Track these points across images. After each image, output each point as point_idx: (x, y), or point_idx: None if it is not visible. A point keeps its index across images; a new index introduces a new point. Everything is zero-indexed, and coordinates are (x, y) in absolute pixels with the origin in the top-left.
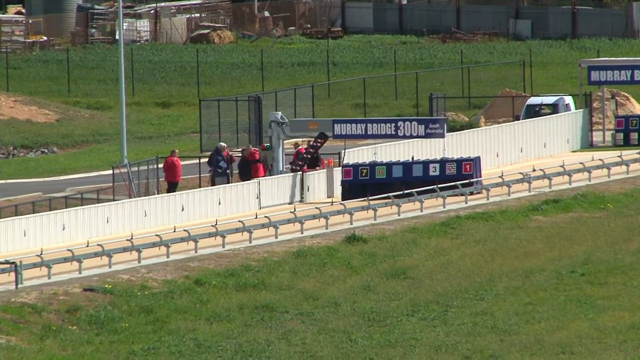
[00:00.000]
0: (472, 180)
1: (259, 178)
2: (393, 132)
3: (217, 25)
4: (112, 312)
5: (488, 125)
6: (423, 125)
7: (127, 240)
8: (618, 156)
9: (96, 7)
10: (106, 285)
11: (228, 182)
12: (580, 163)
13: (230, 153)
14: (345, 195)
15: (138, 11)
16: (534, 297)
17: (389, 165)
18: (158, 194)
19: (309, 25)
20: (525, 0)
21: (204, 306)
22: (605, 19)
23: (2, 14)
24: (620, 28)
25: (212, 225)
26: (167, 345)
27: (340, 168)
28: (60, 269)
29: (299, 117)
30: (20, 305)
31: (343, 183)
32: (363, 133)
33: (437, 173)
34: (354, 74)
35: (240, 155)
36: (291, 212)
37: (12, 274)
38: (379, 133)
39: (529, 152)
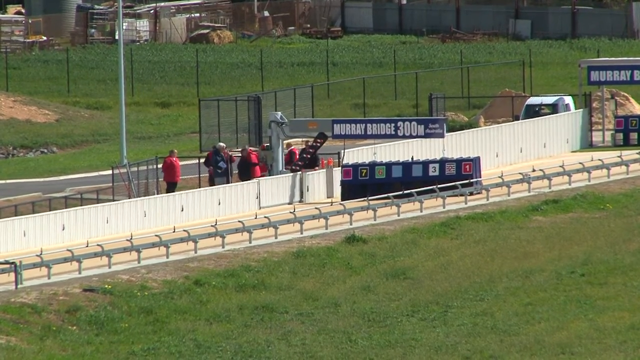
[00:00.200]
0: (471, 180)
1: (259, 178)
2: (393, 132)
3: (216, 25)
4: (112, 313)
5: (488, 125)
6: (423, 125)
7: (127, 240)
8: (618, 156)
9: (96, 7)
10: (106, 286)
11: (228, 183)
12: (580, 163)
13: (230, 153)
14: (345, 196)
15: (138, 11)
16: (534, 297)
17: (389, 166)
18: (158, 194)
19: (309, 25)
20: (525, 0)
21: (204, 306)
22: (605, 19)
23: (2, 14)
24: (620, 28)
25: (211, 226)
26: (167, 346)
27: (340, 168)
28: (60, 269)
29: (298, 117)
30: (20, 306)
31: (342, 183)
32: (363, 133)
33: (436, 173)
34: (353, 74)
35: (240, 155)
36: (291, 212)
37: (12, 274)
38: (379, 133)
39: (528, 152)
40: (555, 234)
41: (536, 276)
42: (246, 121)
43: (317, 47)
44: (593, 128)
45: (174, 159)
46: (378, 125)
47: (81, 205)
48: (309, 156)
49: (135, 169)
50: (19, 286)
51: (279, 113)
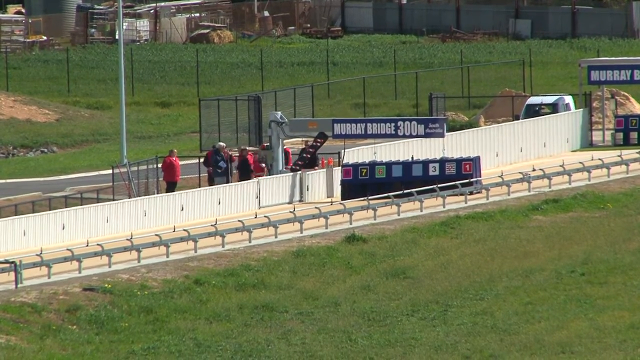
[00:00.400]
0: (471, 180)
1: (259, 178)
2: (393, 132)
3: (216, 25)
4: (112, 312)
5: (488, 125)
6: (423, 125)
7: (127, 239)
8: (618, 156)
9: (96, 7)
10: (106, 285)
11: (227, 182)
12: (580, 163)
13: (230, 153)
14: (345, 195)
15: (138, 11)
16: (534, 296)
17: (389, 165)
18: (158, 193)
19: (309, 25)
20: (525, 0)
21: (204, 306)
22: (605, 18)
23: (2, 13)
24: (620, 28)
25: (211, 225)
26: (167, 345)
27: (340, 168)
28: (60, 268)
29: (298, 117)
30: (20, 305)
31: (343, 183)
32: (363, 133)
33: (436, 173)
34: (353, 73)
35: (239, 155)
36: (291, 211)
37: (12, 274)
38: (379, 133)
39: (528, 151)
40: (555, 233)
41: (536, 275)
42: (246, 121)
43: (317, 47)
44: (593, 127)
45: (174, 158)
46: (378, 124)
47: (81, 205)
48: (309, 156)
49: (135, 168)
50: (19, 285)
51: (279, 113)
